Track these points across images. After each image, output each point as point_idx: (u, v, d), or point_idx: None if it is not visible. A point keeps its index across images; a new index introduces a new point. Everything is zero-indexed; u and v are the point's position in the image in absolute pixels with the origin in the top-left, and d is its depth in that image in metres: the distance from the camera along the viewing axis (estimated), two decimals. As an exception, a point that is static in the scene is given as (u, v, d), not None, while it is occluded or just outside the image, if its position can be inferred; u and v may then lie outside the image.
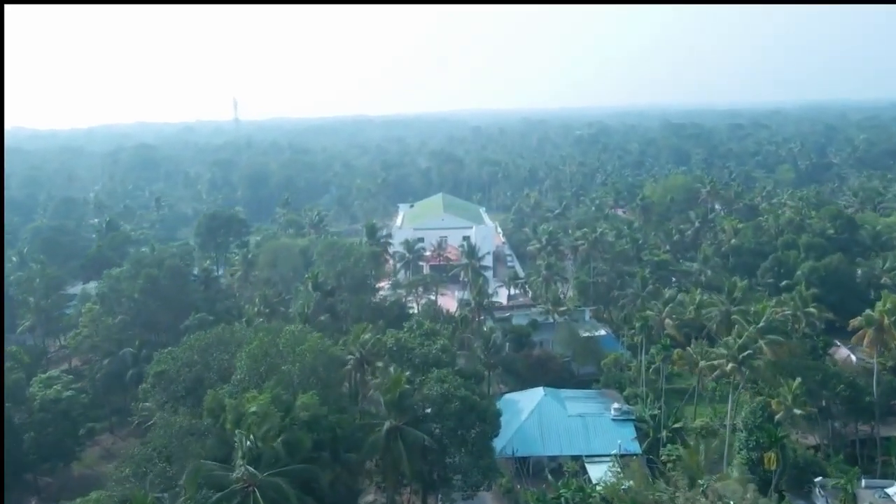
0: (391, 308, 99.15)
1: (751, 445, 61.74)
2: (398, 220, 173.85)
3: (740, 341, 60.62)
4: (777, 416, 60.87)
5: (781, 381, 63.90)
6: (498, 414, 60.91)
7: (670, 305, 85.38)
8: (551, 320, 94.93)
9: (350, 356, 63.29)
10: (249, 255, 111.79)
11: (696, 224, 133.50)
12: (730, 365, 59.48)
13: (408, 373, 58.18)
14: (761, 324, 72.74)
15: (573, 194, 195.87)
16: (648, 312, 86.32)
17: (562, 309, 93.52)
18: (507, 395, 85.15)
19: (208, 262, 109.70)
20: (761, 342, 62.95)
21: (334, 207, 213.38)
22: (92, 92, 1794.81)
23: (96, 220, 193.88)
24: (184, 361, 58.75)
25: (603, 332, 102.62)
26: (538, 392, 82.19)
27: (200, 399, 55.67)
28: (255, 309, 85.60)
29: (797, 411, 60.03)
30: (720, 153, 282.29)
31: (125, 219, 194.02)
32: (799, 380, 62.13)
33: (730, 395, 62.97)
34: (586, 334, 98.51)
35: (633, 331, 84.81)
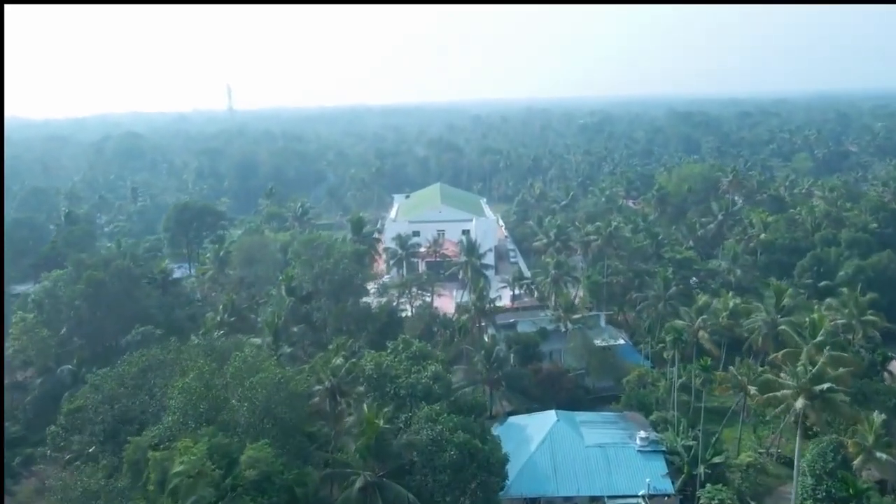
0: (379, 314, 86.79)
1: (819, 496, 49.57)
2: (392, 213, 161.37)
3: (812, 370, 47.91)
4: (855, 463, 48.46)
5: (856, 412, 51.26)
6: (504, 460, 48.56)
7: (704, 316, 72.64)
8: (563, 329, 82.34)
9: (319, 386, 50.75)
10: (221, 253, 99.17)
11: (719, 217, 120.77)
12: (800, 401, 46.93)
13: (387, 409, 45.69)
14: (819, 338, 60.38)
15: (580, 184, 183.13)
16: (678, 322, 73.80)
17: (576, 317, 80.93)
18: (513, 419, 72.76)
19: (167, 261, 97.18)
20: (832, 370, 49.90)
21: (325, 198, 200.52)
22: (88, 81, 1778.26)
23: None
24: (105, 395, 46.19)
25: (622, 342, 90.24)
26: (549, 416, 69.79)
27: (124, 445, 43.40)
28: (218, 318, 73.15)
29: (881, 455, 47.57)
30: (732, 141, 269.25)
31: (101, 210, 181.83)
32: (882, 416, 49.64)
33: (797, 438, 50.24)
34: (602, 343, 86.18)
35: (661, 344, 72.20)
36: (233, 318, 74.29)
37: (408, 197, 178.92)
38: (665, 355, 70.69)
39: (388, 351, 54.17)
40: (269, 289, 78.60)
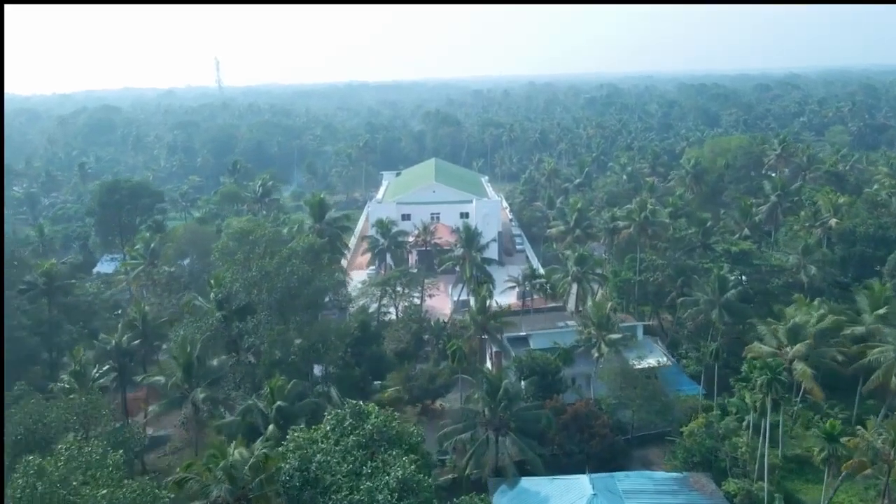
0: (349, 327, 65.56)
1: None
2: (379, 193, 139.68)
3: None
4: None
5: None
6: None
7: (808, 341, 51.08)
8: (596, 355, 60.77)
9: (200, 502, 29.47)
10: (153, 244, 77.74)
11: (772, 198, 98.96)
12: None
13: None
14: None
15: (594, 160, 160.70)
16: (761, 347, 52.42)
17: (613, 337, 59.36)
18: (528, 483, 51.74)
19: (55, 260, 75.25)
20: None
21: (306, 176, 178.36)
22: (83, 58, 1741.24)
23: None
24: None
25: (668, 362, 69.07)
26: (582, 486, 48.76)
27: None
28: (113, 342, 51.79)
29: None
30: (757, 114, 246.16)
31: (49, 189, 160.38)
32: None
33: None
34: (643, 365, 64.75)
35: (746, 385, 50.77)
36: (136, 342, 52.93)
37: (399, 174, 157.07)
38: (749, 400, 49.16)
39: (330, 427, 32.55)
40: (193, 297, 57.07)
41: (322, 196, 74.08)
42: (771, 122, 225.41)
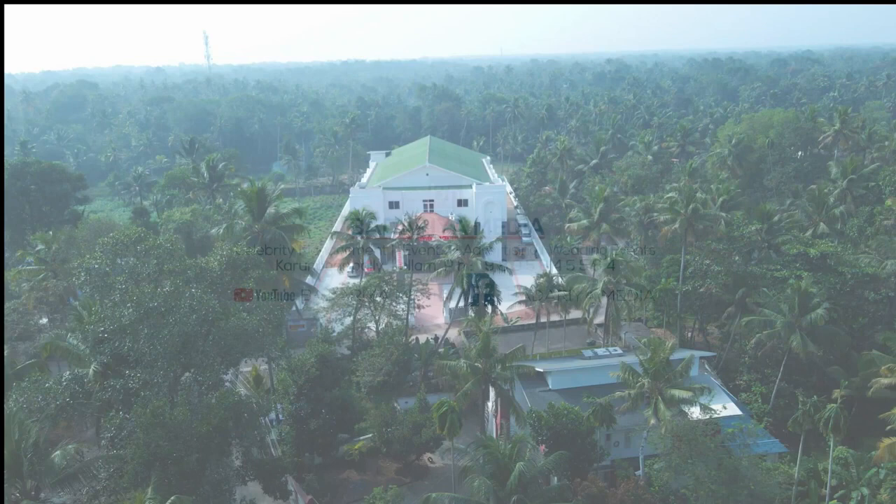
0: (303, 363, 47.42)
1: None
2: (365, 176, 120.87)
3: None
4: None
5: None
6: None
7: None
8: (653, 421, 41.94)
9: None
10: (55, 246, 59.34)
11: (842, 185, 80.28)
12: None
13: None
14: None
15: (611, 138, 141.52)
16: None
17: (679, 395, 40.61)
18: None
19: None
20: None
21: (285, 158, 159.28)
22: (76, 36, 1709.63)
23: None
24: None
25: (736, 408, 50.91)
26: None
27: None
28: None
29: None
30: (783, 88, 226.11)
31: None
32: None
33: None
34: (701, 414, 45.96)
35: None
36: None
37: (388, 154, 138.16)
38: None
39: None
40: (56, 336, 38.58)
41: (261, 186, 55.30)
42: (801, 97, 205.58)
